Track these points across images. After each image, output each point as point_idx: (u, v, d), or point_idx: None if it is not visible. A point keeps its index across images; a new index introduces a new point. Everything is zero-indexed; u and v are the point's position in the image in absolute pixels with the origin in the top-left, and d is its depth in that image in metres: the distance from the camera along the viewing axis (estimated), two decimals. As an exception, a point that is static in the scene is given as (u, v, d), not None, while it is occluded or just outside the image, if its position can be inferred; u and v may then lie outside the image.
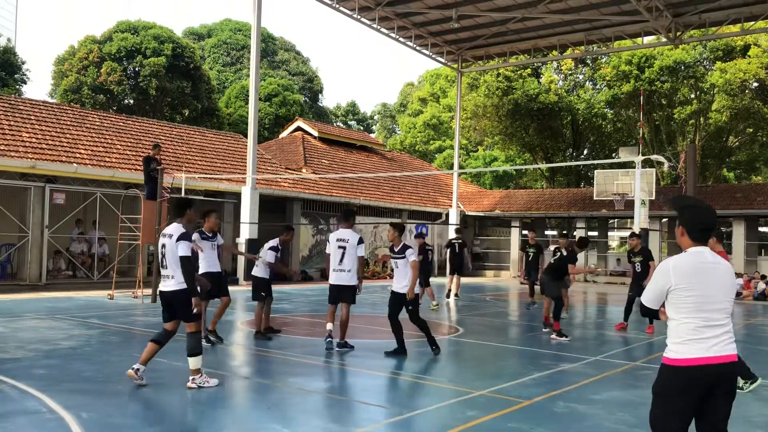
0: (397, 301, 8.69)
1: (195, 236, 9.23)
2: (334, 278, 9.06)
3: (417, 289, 8.65)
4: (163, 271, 6.78)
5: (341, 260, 8.99)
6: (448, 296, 17.57)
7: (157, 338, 6.76)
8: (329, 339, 8.99)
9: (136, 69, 38.33)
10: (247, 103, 30.68)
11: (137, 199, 17.48)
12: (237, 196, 21.75)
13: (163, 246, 6.75)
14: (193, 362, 6.64)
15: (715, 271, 3.63)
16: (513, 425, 5.64)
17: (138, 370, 6.58)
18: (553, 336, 10.77)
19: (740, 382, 6.85)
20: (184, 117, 40.45)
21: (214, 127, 36.12)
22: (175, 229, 6.74)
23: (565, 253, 11.65)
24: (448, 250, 17.78)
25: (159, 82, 37.84)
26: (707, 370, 3.49)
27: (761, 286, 21.29)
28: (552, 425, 5.67)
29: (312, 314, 13.74)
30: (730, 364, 3.54)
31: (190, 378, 6.65)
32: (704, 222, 3.73)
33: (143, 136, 22.44)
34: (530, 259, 16.20)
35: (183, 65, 39.28)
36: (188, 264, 6.62)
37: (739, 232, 25.73)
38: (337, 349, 8.93)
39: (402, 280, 8.66)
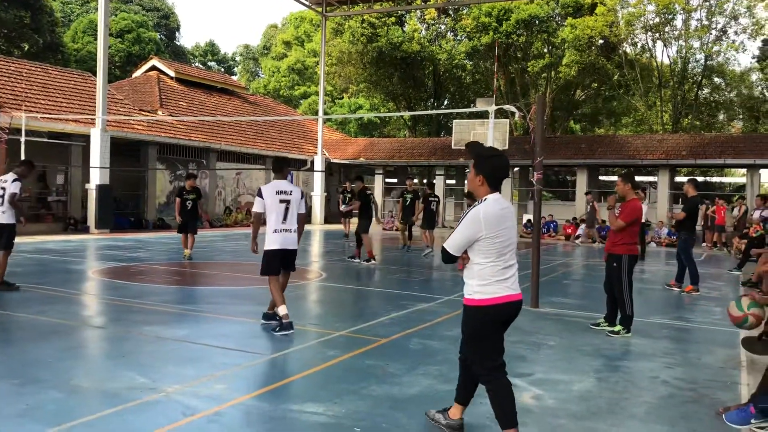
0: None
1: None
2: (280, 241, 7.01)
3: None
4: None
5: (285, 218, 7.03)
6: (347, 237, 20.01)
7: None
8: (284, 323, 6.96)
9: (-36, -5, 34.32)
10: (96, 39, 28.54)
11: (-31, 140, 15.92)
12: (86, 138, 20.36)
13: None
14: None
15: (510, 216, 3.95)
16: (370, 362, 5.88)
17: None
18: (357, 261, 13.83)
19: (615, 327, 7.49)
20: (23, 51, 36.89)
21: (59, 64, 33.28)
22: None
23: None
24: (339, 199, 20.39)
25: (-8, 10, 34.15)
26: (510, 306, 3.91)
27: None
28: (406, 360, 5.97)
29: (168, 263, 13.37)
30: (521, 301, 4.00)
31: None
32: (504, 171, 4.01)
33: (-26, 71, 20.29)
34: (407, 204, 16.69)
35: (20, -7, 35.61)
36: None
37: (582, 180, 27.78)
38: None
39: None
